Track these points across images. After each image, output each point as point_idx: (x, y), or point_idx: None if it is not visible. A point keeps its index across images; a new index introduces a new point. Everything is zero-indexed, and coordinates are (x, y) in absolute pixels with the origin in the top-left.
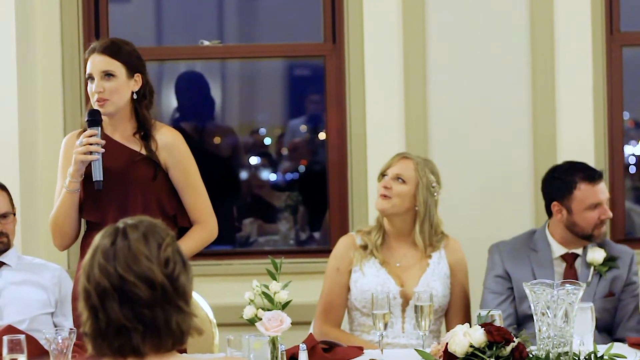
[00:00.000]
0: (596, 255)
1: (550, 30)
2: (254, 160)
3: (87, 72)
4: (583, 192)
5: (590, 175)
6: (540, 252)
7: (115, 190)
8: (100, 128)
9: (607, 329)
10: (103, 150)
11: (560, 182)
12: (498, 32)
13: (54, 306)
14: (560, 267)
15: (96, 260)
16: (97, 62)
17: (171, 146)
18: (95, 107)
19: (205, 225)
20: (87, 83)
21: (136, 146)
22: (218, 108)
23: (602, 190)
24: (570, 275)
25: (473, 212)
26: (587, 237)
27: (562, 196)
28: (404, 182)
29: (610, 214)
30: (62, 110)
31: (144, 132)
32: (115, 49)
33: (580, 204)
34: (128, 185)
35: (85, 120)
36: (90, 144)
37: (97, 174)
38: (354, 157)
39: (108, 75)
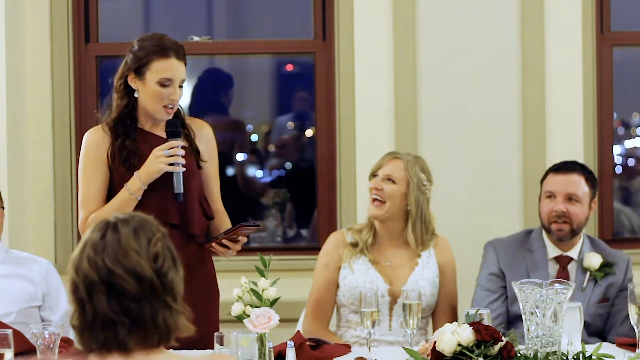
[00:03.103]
0: (592, 260)
1: (541, 30)
2: (240, 156)
3: (167, 75)
4: (546, 180)
5: (557, 165)
6: (536, 253)
7: (160, 181)
8: (180, 138)
9: (599, 334)
10: (184, 161)
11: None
12: (488, 32)
13: (42, 300)
14: (553, 270)
15: (85, 254)
16: (179, 69)
17: (208, 138)
18: (159, 108)
19: (225, 214)
20: (160, 82)
21: None
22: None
23: (560, 182)
24: (563, 277)
25: (462, 212)
26: (547, 232)
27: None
28: (394, 182)
29: (563, 209)
30: (50, 106)
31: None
32: (185, 57)
33: (542, 192)
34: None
35: (167, 130)
36: (176, 155)
37: (179, 186)
38: (343, 154)
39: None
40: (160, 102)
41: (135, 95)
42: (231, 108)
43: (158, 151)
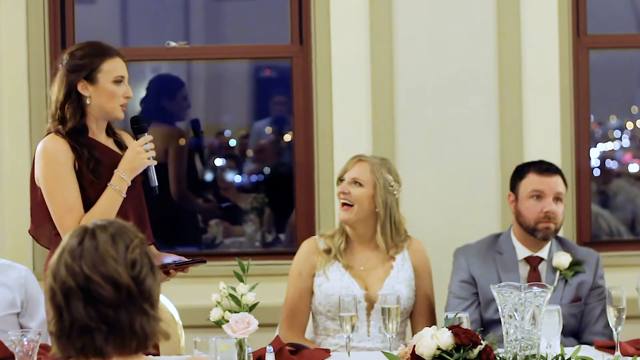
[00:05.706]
0: (562, 259)
1: (517, 33)
2: (219, 161)
3: (120, 73)
4: (529, 180)
5: (541, 167)
6: (506, 255)
7: None
8: (147, 133)
9: (573, 334)
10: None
11: (516, 173)
12: (465, 36)
13: (20, 307)
14: (524, 271)
15: (63, 260)
16: (125, 68)
17: None
18: (117, 107)
19: None
20: (115, 80)
21: (115, 148)
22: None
23: (548, 182)
24: (534, 278)
25: (439, 215)
26: (531, 231)
27: (514, 185)
28: (361, 185)
29: (554, 209)
30: (27, 111)
31: (113, 132)
32: None
33: (524, 191)
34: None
35: (135, 126)
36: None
37: (155, 179)
38: (320, 158)
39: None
40: (117, 101)
41: (88, 102)
42: (208, 113)
43: (138, 147)
